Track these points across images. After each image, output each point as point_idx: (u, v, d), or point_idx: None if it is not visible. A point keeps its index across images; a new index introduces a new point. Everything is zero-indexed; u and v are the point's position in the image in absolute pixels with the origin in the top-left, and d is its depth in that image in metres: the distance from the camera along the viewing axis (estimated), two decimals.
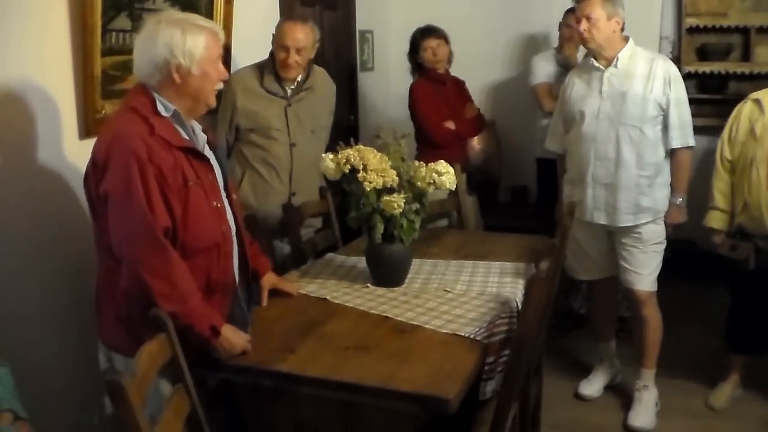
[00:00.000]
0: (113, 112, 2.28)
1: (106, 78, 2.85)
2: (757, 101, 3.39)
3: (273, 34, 3.38)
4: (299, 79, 3.47)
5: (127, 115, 2.18)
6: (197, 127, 2.36)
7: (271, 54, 3.41)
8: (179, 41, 2.15)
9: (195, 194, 2.20)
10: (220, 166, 2.41)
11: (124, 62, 2.91)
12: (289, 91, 3.44)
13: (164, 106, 2.20)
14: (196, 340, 2.13)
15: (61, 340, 2.63)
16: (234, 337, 2.20)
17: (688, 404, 3.66)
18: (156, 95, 2.20)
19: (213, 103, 2.31)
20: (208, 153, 2.37)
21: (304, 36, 3.32)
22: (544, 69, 4.67)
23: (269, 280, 2.68)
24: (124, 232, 2.09)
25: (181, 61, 2.16)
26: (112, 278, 2.18)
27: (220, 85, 2.31)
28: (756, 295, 3.50)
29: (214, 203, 2.28)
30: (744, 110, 3.44)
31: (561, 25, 4.68)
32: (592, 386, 3.80)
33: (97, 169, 2.15)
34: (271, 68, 3.41)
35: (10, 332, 2.40)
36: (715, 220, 3.51)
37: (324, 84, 3.65)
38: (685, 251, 3.74)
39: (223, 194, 2.38)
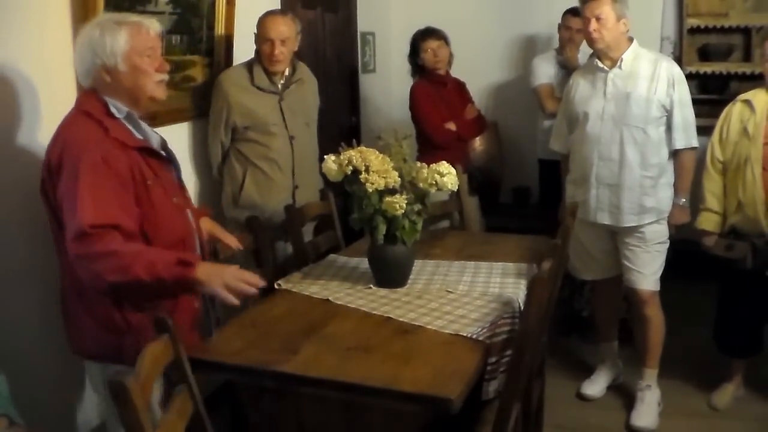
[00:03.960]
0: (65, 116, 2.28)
1: None
2: (747, 102, 3.40)
3: (255, 32, 3.39)
4: (287, 72, 3.49)
5: (79, 119, 2.20)
6: (148, 128, 2.39)
7: (257, 51, 3.43)
8: (99, 41, 2.17)
9: (155, 192, 2.23)
10: (174, 163, 2.44)
11: None
12: (279, 86, 3.46)
13: (117, 108, 2.22)
14: (173, 287, 2.10)
15: (60, 342, 2.62)
16: (218, 268, 2.14)
17: (690, 404, 3.67)
18: (107, 98, 2.22)
19: (159, 95, 2.30)
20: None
21: (286, 27, 3.35)
22: (545, 70, 4.67)
23: (206, 222, 2.66)
24: (70, 231, 2.07)
25: (105, 61, 2.18)
26: (83, 285, 2.18)
27: (164, 76, 2.30)
28: (748, 296, 3.50)
29: (174, 199, 2.32)
30: (734, 111, 3.44)
31: (560, 27, 4.68)
32: (595, 386, 3.80)
33: (51, 174, 2.16)
34: (260, 65, 3.42)
35: (8, 335, 2.41)
36: (707, 221, 3.51)
37: (309, 77, 3.69)
38: (686, 251, 3.74)
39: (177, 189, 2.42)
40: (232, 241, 2.65)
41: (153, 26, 2.28)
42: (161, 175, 2.28)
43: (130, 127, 2.25)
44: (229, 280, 2.10)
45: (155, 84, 2.27)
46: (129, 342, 2.20)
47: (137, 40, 2.21)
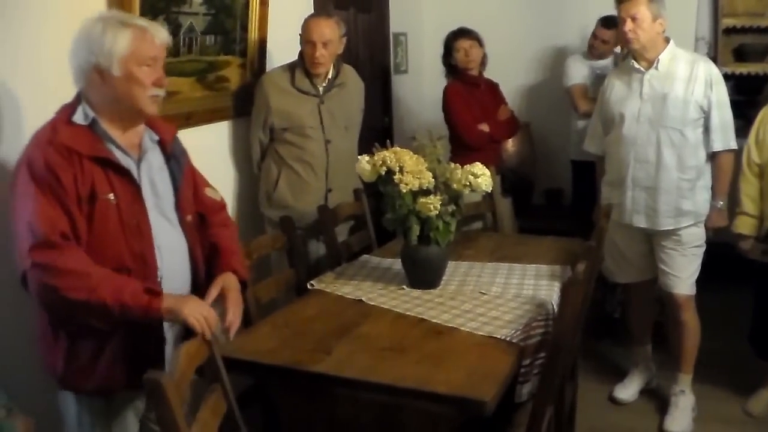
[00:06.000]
0: None
1: None
2: None
3: (300, 34, 3.40)
4: (330, 75, 3.49)
5: (47, 123, 2.03)
6: (149, 137, 2.17)
7: (301, 54, 3.44)
8: (98, 38, 1.97)
9: (103, 209, 1.98)
10: (173, 180, 2.20)
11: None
12: (321, 89, 3.46)
13: (84, 114, 2.02)
14: (136, 317, 1.92)
15: None
16: (183, 301, 1.98)
17: (725, 410, 3.61)
18: (83, 102, 2.03)
19: (150, 110, 2.07)
20: (157, 165, 2.16)
21: (329, 30, 3.34)
22: (578, 70, 4.65)
23: (226, 279, 2.25)
24: (27, 236, 1.89)
25: (99, 60, 1.97)
26: None
27: (160, 92, 2.09)
28: None
29: (134, 221, 2.04)
30: None
31: (592, 35, 4.65)
32: (628, 390, 3.76)
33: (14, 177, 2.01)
34: (302, 67, 3.43)
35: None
36: (744, 225, 3.45)
37: (354, 81, 3.68)
38: (722, 254, 3.69)
39: (169, 213, 2.17)
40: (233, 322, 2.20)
41: (160, 34, 2.07)
42: (120, 192, 2.02)
43: (99, 135, 2.03)
44: (193, 311, 1.96)
45: (149, 98, 2.05)
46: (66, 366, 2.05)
47: (140, 47, 2.00)
